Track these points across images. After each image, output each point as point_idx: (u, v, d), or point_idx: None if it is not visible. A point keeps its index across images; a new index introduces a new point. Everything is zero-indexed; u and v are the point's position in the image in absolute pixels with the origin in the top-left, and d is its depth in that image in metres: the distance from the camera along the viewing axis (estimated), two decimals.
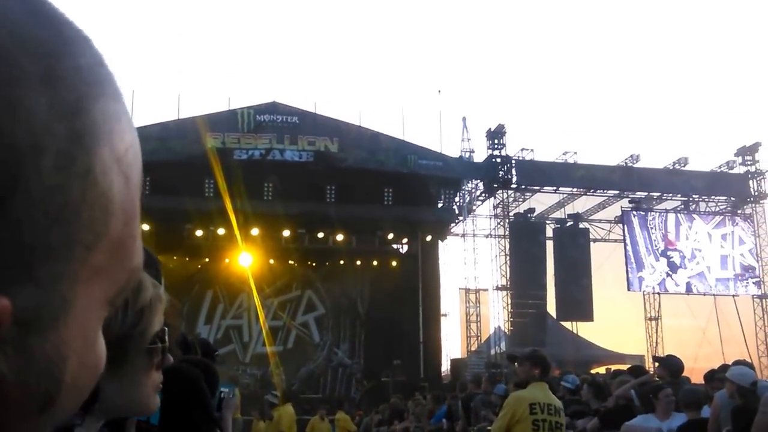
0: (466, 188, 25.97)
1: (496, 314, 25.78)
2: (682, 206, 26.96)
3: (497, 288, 25.58)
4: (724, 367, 6.95)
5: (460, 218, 26.15)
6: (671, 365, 7.82)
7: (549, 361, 5.83)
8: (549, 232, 25.92)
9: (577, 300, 24.95)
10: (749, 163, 26.61)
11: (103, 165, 0.39)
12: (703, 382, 8.10)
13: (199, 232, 23.45)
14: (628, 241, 25.16)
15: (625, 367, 10.87)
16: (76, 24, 0.41)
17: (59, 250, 0.38)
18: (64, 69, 0.38)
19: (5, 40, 0.36)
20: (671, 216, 26.43)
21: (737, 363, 7.13)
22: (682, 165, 26.12)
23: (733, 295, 25.76)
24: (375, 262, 25.82)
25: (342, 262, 25.90)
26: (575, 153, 25.50)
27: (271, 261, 25.12)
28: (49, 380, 0.39)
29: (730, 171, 26.81)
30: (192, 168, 21.29)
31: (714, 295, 25.56)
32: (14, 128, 0.35)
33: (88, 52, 0.41)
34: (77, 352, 0.41)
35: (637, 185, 25.77)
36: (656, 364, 8.44)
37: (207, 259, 24.71)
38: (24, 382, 0.37)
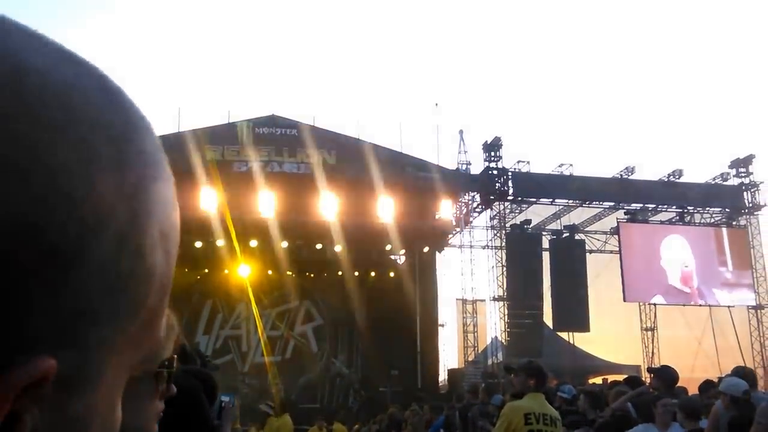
0: (463, 200, 26.10)
1: (493, 324, 25.92)
2: (677, 218, 27.16)
3: (494, 298, 25.72)
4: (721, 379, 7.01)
5: (458, 230, 26.28)
6: (666, 376, 7.90)
7: (545, 371, 5.84)
8: (545, 244, 26.07)
9: (574, 310, 25.09)
10: (743, 174, 26.82)
11: (152, 242, 0.43)
12: (698, 392, 8.17)
13: (198, 244, 23.54)
14: (623, 252, 25.34)
15: (621, 377, 10.95)
16: (142, 111, 0.45)
17: (106, 319, 0.40)
18: (130, 152, 0.42)
19: (88, 126, 0.40)
20: (666, 227, 26.63)
21: (736, 370, 7.22)
22: (677, 177, 26.32)
23: (729, 306, 25.91)
24: (373, 273, 25.92)
25: (340, 273, 25.98)
26: (571, 165, 25.71)
27: (270, 272, 25.22)
28: None
29: (725, 183, 27.01)
30: (191, 180, 21.42)
31: (710, 305, 25.72)
32: (86, 204, 0.38)
33: (149, 138, 0.45)
34: (102, 415, 0.43)
35: (632, 197, 25.96)
36: (651, 375, 8.53)
37: (206, 270, 24.80)
38: None
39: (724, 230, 26.64)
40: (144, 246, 0.42)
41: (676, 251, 25.73)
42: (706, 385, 7.98)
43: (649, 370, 9.67)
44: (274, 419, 12.08)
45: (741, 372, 7.08)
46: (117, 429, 0.45)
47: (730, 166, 26.98)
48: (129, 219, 0.41)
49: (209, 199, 22.31)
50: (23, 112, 0.37)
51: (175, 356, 1.31)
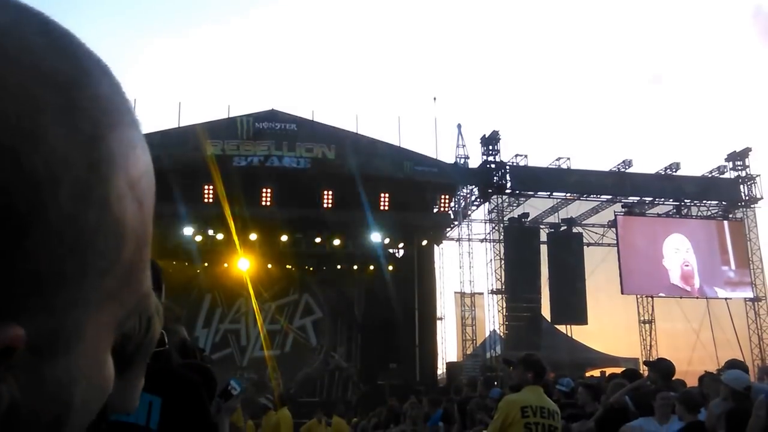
0: (462, 193, 26.17)
1: (492, 318, 26.03)
2: (674, 211, 27.26)
3: (492, 292, 25.82)
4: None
5: (456, 223, 26.36)
6: (662, 368, 7.98)
7: (544, 364, 5.82)
8: (543, 237, 26.18)
9: (572, 304, 25.20)
10: (740, 168, 26.93)
11: (118, 192, 0.40)
12: (697, 384, 8.23)
13: (198, 238, 23.62)
14: (621, 245, 25.46)
15: (619, 370, 11.02)
16: (96, 54, 0.43)
17: (73, 278, 0.38)
18: (82, 99, 0.39)
19: (26, 74, 0.37)
20: (664, 220, 26.73)
21: (731, 363, 7.29)
22: (674, 170, 26.43)
23: (726, 299, 26.05)
24: (371, 267, 26.03)
25: (339, 266, 26.06)
26: (568, 159, 25.80)
27: (269, 266, 25.28)
28: (59, 404, 0.40)
29: (721, 176, 27.10)
30: (192, 174, 21.49)
31: (707, 298, 25.86)
32: (33, 160, 0.36)
33: (106, 81, 0.42)
34: (87, 375, 0.42)
35: (629, 190, 26.05)
36: (648, 368, 8.61)
37: (206, 264, 24.86)
38: (35, 407, 0.38)
39: (726, 224, 26.72)
40: (108, 197, 0.40)
41: (677, 249, 25.82)
42: (705, 377, 8.05)
43: (646, 363, 9.74)
44: (273, 413, 12.17)
45: (735, 365, 7.16)
46: (108, 386, 0.45)
47: (727, 159, 27.08)
48: (88, 170, 0.38)
49: (209, 194, 22.40)
50: None
51: (164, 332, 1.33)
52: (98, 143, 0.39)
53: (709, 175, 27.12)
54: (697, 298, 25.80)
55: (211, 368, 3.71)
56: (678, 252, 25.68)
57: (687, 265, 25.69)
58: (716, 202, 27.16)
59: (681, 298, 25.71)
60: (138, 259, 0.43)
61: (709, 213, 27.47)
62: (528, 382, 5.62)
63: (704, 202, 27.14)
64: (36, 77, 0.37)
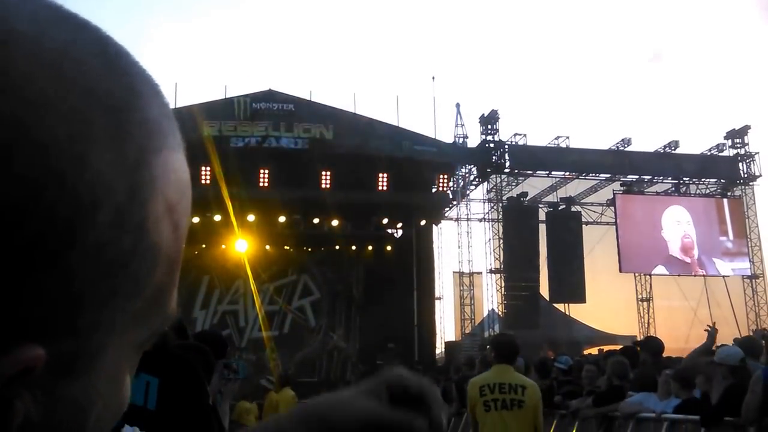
0: (460, 173, 26.14)
1: (490, 297, 26.11)
2: (673, 189, 27.26)
3: (491, 271, 25.87)
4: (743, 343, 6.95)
5: (454, 203, 26.35)
6: (651, 347, 8.03)
7: (510, 343, 5.96)
8: (542, 216, 26.18)
9: (570, 282, 25.26)
10: (739, 145, 26.89)
11: (155, 217, 0.39)
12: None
13: (195, 219, 23.51)
14: (619, 223, 25.47)
15: (617, 347, 11.06)
16: (149, 74, 0.42)
17: (102, 302, 0.38)
18: (131, 123, 0.38)
19: (81, 98, 0.37)
20: (663, 198, 26.73)
21: (743, 339, 7.22)
22: (673, 148, 26.39)
23: (724, 276, 26.12)
24: (370, 247, 26.02)
25: (337, 247, 26.05)
26: (567, 137, 25.75)
27: (267, 247, 25.27)
28: (74, 424, 0.39)
29: (720, 154, 27.08)
30: (189, 155, 21.10)
31: (704, 275, 25.92)
32: (78, 184, 0.35)
33: (156, 103, 0.41)
34: (104, 396, 0.41)
35: (628, 169, 26.01)
36: (638, 348, 8.64)
37: (203, 245, 24.83)
38: (50, 426, 0.38)
39: (725, 201, 26.74)
40: (146, 222, 0.39)
41: (677, 221, 25.88)
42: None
43: (635, 343, 9.82)
44: (274, 394, 12.19)
45: (745, 341, 7.13)
46: (124, 407, 0.44)
47: (726, 137, 27.03)
48: (129, 195, 0.38)
49: (206, 175, 22.33)
50: (7, 86, 0.34)
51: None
52: (141, 169, 0.38)
53: (708, 153, 27.09)
54: (695, 275, 25.85)
55: (208, 349, 3.69)
56: (679, 224, 25.74)
57: (687, 237, 25.75)
58: (715, 179, 27.16)
59: (679, 276, 25.76)
60: (169, 281, 0.42)
61: (708, 191, 27.47)
62: (495, 361, 5.81)
63: (703, 179, 27.12)
64: (90, 101, 0.37)
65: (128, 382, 0.44)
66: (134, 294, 0.40)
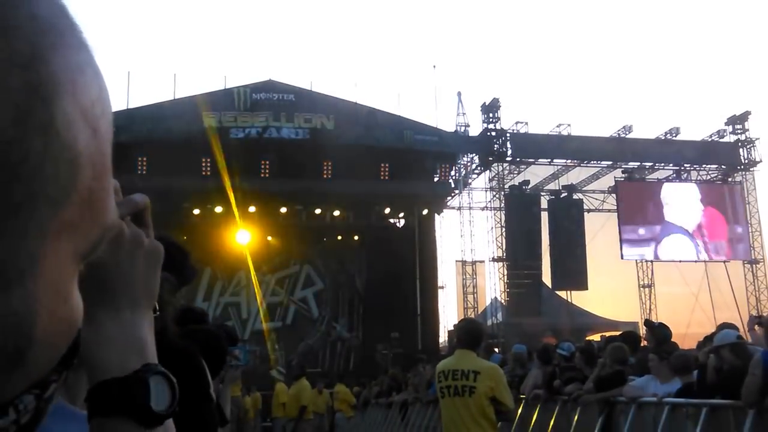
0: (462, 162, 26.12)
1: (493, 285, 26.14)
2: (674, 175, 27.26)
3: (493, 259, 25.89)
4: (720, 329, 6.99)
5: (456, 191, 26.34)
6: (659, 335, 8.05)
7: (472, 330, 5.92)
8: (544, 204, 26.17)
9: (572, 269, 25.28)
10: (739, 131, 26.84)
11: (65, 117, 0.38)
12: (696, 347, 8.29)
13: (196, 211, 23.58)
14: (621, 210, 25.48)
15: (618, 333, 11.07)
16: None
17: (20, 206, 0.37)
18: (18, 17, 0.37)
19: None
20: (663, 185, 26.73)
21: (723, 327, 7.30)
22: (674, 135, 26.36)
23: (724, 261, 26.15)
24: (372, 237, 26.05)
25: (339, 237, 26.08)
26: (569, 125, 25.75)
27: (269, 238, 25.26)
28: (19, 336, 0.39)
29: (721, 140, 27.05)
30: (189, 147, 21.37)
31: (705, 261, 25.95)
32: None
33: (45, 1, 0.40)
34: (47, 306, 0.40)
35: (629, 156, 26.01)
36: (645, 328, 8.65)
37: (205, 237, 24.85)
38: None
39: (722, 186, 26.75)
40: (54, 122, 0.37)
41: (678, 208, 25.91)
42: (706, 341, 8.09)
43: (646, 323, 9.78)
44: (283, 384, 12.34)
45: (728, 325, 7.18)
46: (76, 319, 0.44)
47: (727, 123, 27.01)
48: (27, 94, 0.36)
49: (207, 166, 22.31)
50: None
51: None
52: (38, 65, 0.37)
53: (709, 139, 27.08)
54: (696, 261, 25.90)
55: (215, 330, 3.66)
56: (680, 211, 25.83)
57: (687, 224, 25.86)
58: (716, 165, 27.15)
59: (680, 262, 25.80)
60: (98, 187, 0.42)
61: (709, 177, 27.47)
62: (456, 347, 5.85)
63: (704, 166, 27.13)
64: None
65: (75, 294, 0.43)
66: (59, 199, 0.39)
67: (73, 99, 0.39)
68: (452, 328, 26.60)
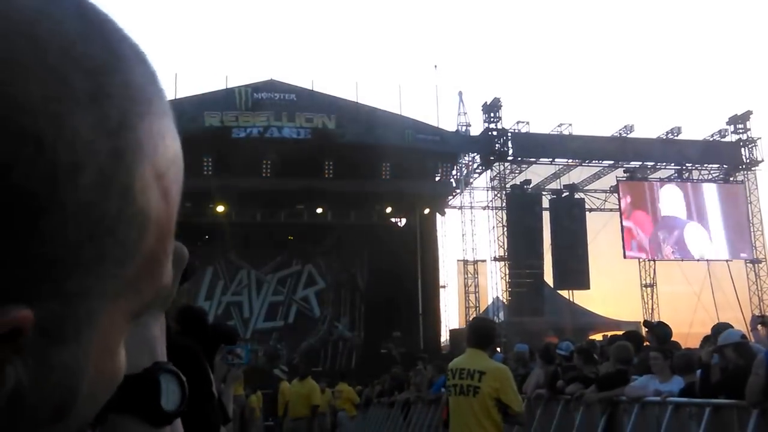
0: (463, 161, 26.12)
1: (494, 285, 26.12)
2: (676, 175, 27.24)
3: (495, 259, 25.88)
4: (718, 329, 7.00)
5: (458, 191, 26.34)
6: (660, 333, 8.03)
7: (481, 328, 5.86)
8: (545, 203, 26.16)
9: (574, 269, 25.26)
10: (741, 131, 26.83)
11: (143, 182, 0.39)
12: (699, 347, 8.27)
13: (198, 210, 23.59)
14: (622, 210, 25.47)
15: (621, 333, 11.04)
16: (132, 40, 0.42)
17: (89, 266, 0.38)
18: (112, 86, 0.38)
19: (57, 58, 0.36)
20: (665, 184, 26.71)
21: (719, 327, 7.28)
22: (676, 134, 26.34)
23: (727, 260, 26.12)
24: (374, 236, 26.05)
25: (341, 237, 26.09)
26: (570, 125, 25.75)
27: (271, 237, 25.29)
28: (66, 391, 0.39)
29: (723, 139, 27.04)
30: (190, 147, 21.20)
31: (708, 260, 25.93)
32: (56, 145, 0.35)
33: (140, 69, 0.41)
34: (97, 364, 0.41)
35: (631, 155, 25.99)
36: (647, 329, 8.63)
37: (207, 237, 24.89)
38: (40, 391, 0.38)
39: (723, 186, 26.74)
40: (132, 187, 0.39)
41: (679, 207, 25.90)
42: (707, 339, 8.08)
43: (645, 324, 9.77)
44: (286, 383, 12.28)
45: (724, 326, 7.16)
46: (118, 378, 0.44)
47: (728, 123, 26.98)
48: (113, 158, 0.37)
49: (209, 166, 22.31)
50: None
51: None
52: (125, 132, 0.38)
53: (711, 139, 27.06)
54: (698, 260, 25.88)
55: (224, 324, 3.69)
56: (682, 210, 25.78)
57: (689, 223, 25.81)
58: (717, 165, 27.14)
59: (682, 261, 25.80)
60: (160, 250, 0.42)
61: (711, 176, 27.45)
62: (467, 345, 5.77)
63: (706, 165, 27.11)
64: (67, 62, 0.36)
65: (122, 353, 0.44)
66: (124, 260, 0.39)
67: (152, 165, 0.40)
68: (455, 328, 26.75)
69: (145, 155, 0.39)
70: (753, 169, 26.89)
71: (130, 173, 0.38)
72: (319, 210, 24.68)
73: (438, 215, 26.72)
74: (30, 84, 0.35)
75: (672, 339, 8.49)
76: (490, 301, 26.76)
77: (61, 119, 0.36)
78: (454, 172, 25.93)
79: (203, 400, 2.62)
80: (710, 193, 26.64)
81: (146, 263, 0.41)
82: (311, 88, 23.42)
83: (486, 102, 25.43)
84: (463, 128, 25.41)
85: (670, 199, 26.02)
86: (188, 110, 21.75)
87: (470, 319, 25.84)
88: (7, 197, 0.34)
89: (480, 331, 5.72)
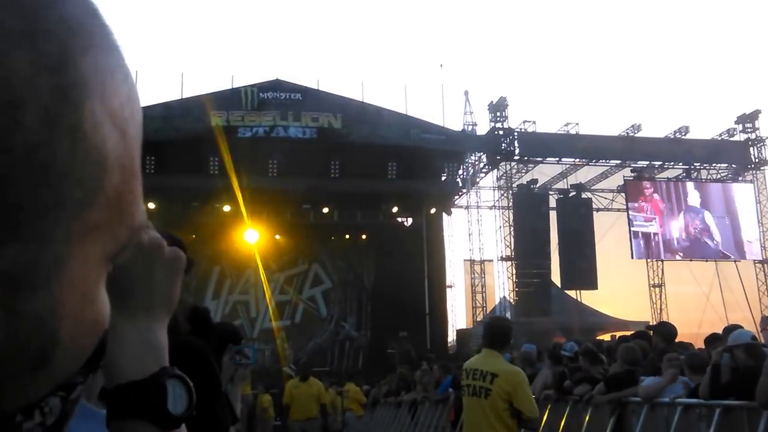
0: (470, 161, 26.08)
1: (501, 284, 26.08)
2: (684, 174, 27.11)
3: (502, 259, 25.82)
4: (727, 331, 6.95)
5: (464, 191, 26.29)
6: (664, 332, 7.96)
7: (496, 328, 5.70)
8: (552, 203, 26.10)
9: (581, 269, 25.18)
10: (749, 130, 26.71)
11: (93, 120, 0.38)
12: (704, 346, 8.20)
13: (205, 210, 23.62)
14: (630, 209, 25.36)
15: (629, 333, 10.98)
16: None
17: (49, 209, 0.37)
18: (48, 21, 0.37)
19: None
20: (672, 184, 26.58)
21: (730, 329, 7.21)
22: (683, 134, 26.23)
23: (735, 261, 25.98)
24: (380, 236, 26.01)
25: (347, 236, 26.06)
26: (577, 124, 25.71)
27: (277, 237, 25.29)
28: (43, 339, 0.39)
29: (731, 139, 26.90)
30: (197, 146, 21.40)
31: (716, 260, 25.79)
32: None
33: (76, 2, 0.39)
34: (73, 309, 0.40)
35: (638, 155, 25.89)
36: (651, 332, 8.57)
37: (213, 236, 24.88)
38: (14, 340, 0.37)
39: (733, 186, 26.60)
40: (82, 125, 0.37)
41: (687, 206, 25.78)
42: (712, 339, 8.01)
43: (648, 327, 9.72)
44: (294, 381, 12.19)
45: (732, 327, 7.09)
46: (102, 321, 0.43)
47: (737, 122, 26.86)
48: (56, 95, 0.36)
49: (215, 165, 22.32)
50: None
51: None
52: (67, 67, 0.37)
53: (719, 138, 26.93)
54: (707, 260, 25.75)
55: (230, 324, 3.68)
56: (689, 209, 25.65)
57: (697, 222, 25.67)
58: (726, 165, 27.01)
59: (691, 261, 25.66)
60: (126, 189, 0.42)
61: (719, 176, 27.32)
62: (482, 345, 5.72)
63: (714, 165, 26.99)
64: None
65: (102, 295, 0.43)
66: (86, 201, 0.39)
67: (102, 102, 0.39)
68: (461, 328, 26.69)
69: (93, 91, 0.38)
70: (762, 168, 26.78)
71: (77, 111, 0.37)
72: (326, 210, 24.66)
73: (444, 215, 26.65)
74: None
75: (681, 340, 8.43)
76: (497, 301, 26.72)
77: None
78: (460, 172, 25.89)
79: (212, 398, 2.60)
80: (718, 192, 26.50)
81: (113, 203, 0.41)
82: (317, 88, 23.42)
83: (492, 101, 25.39)
84: (470, 128, 25.36)
85: (683, 199, 25.90)
86: (194, 110, 21.79)
87: (477, 319, 25.81)
88: None
89: (494, 331, 5.59)
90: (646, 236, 25.32)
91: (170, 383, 0.69)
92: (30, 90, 0.35)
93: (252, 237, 24.26)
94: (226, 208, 23.41)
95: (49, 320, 0.39)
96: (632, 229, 25.10)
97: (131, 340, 0.69)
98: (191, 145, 21.25)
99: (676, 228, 25.62)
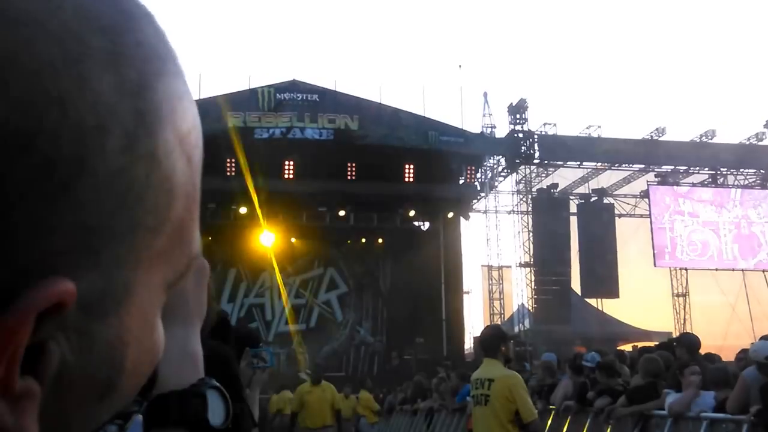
0: (488, 164, 25.88)
1: (520, 291, 25.75)
2: (710, 180, 26.60)
3: (520, 265, 25.50)
4: None
5: (482, 195, 26.02)
6: (688, 343, 7.74)
7: (489, 336, 5.84)
8: (573, 208, 25.75)
9: (602, 276, 24.78)
10: None
11: (166, 146, 0.38)
12: (733, 360, 8.00)
13: (221, 212, 23.49)
14: (654, 216, 24.89)
15: (652, 344, 10.73)
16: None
17: (123, 235, 0.36)
18: (126, 45, 0.36)
19: (70, 18, 0.34)
20: (697, 190, 26.09)
21: (764, 338, 6.99)
22: (710, 138, 25.78)
23: (763, 270, 25.40)
24: (397, 240, 25.76)
25: (364, 240, 25.88)
26: (599, 127, 25.33)
27: (293, 239, 25.17)
28: (111, 367, 0.38)
29: (759, 143, 26.39)
30: (213, 147, 21.23)
31: (743, 270, 25.21)
32: (80, 107, 0.33)
33: (149, 27, 0.39)
34: (138, 338, 0.39)
35: (663, 159, 25.46)
36: (675, 344, 8.36)
37: (229, 238, 24.75)
38: (86, 369, 0.37)
39: (760, 192, 26.03)
40: (157, 150, 0.37)
41: (713, 213, 25.28)
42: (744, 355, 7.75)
43: (671, 340, 9.51)
44: (305, 385, 11.76)
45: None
46: (159, 350, 0.43)
47: (766, 126, 26.30)
48: (136, 120, 0.36)
49: (231, 167, 22.24)
50: None
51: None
52: (145, 93, 0.37)
53: (747, 142, 26.40)
54: (733, 270, 25.19)
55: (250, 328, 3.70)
56: (716, 216, 25.15)
57: (724, 230, 25.19)
58: (754, 170, 26.48)
59: (716, 270, 25.10)
60: (188, 217, 0.41)
61: (747, 181, 26.76)
62: (484, 356, 5.80)
63: (741, 170, 26.48)
64: (80, 21, 0.35)
65: (160, 325, 0.43)
66: (155, 228, 0.38)
67: (173, 127, 0.39)
68: (478, 335, 26.36)
69: (165, 117, 0.38)
70: None
71: (153, 137, 0.37)
72: (342, 212, 24.48)
73: (462, 219, 26.34)
74: (49, 43, 0.33)
75: (706, 351, 8.19)
76: (515, 308, 26.37)
77: (83, 80, 0.34)
78: (479, 175, 25.64)
79: (235, 403, 2.43)
80: (746, 198, 25.95)
81: (176, 231, 0.40)
82: (334, 89, 23.32)
83: (512, 103, 25.11)
84: (488, 130, 25.10)
85: (704, 204, 25.40)
86: (211, 111, 21.68)
87: None
88: (36, 164, 0.33)
89: (483, 339, 5.84)
90: (671, 243, 24.79)
91: (209, 394, 0.70)
92: (114, 115, 0.35)
93: (268, 239, 24.14)
94: (243, 209, 23.32)
95: (119, 348, 0.39)
96: (655, 235, 24.59)
97: (169, 349, 0.56)
98: (208, 147, 19.56)
99: (701, 235, 25.08)
